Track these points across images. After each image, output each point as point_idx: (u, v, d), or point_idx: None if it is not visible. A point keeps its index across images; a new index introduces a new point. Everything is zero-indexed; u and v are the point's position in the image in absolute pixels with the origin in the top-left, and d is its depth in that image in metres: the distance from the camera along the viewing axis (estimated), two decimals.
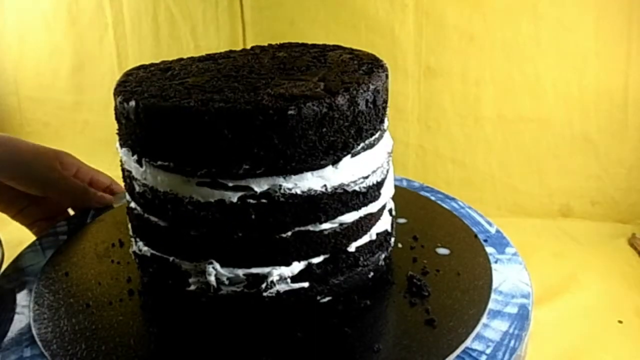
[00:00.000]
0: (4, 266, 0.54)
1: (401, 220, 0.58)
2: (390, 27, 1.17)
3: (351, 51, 0.52)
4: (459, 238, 0.56)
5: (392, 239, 0.52)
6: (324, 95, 0.38)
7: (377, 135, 0.44)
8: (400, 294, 0.46)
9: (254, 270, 0.41)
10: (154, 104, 0.40)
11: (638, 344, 0.79)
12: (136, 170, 0.43)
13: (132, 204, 0.46)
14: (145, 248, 0.46)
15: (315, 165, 0.39)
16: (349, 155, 0.41)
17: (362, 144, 0.42)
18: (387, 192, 0.48)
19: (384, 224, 0.48)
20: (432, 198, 0.65)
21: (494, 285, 0.48)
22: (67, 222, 0.62)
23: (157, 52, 1.40)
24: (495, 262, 0.52)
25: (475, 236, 0.57)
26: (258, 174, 0.38)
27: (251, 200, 0.39)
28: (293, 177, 0.39)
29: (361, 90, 0.40)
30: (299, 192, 0.39)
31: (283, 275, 0.42)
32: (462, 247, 0.55)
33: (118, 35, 1.49)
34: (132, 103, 0.40)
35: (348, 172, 0.42)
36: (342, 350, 0.40)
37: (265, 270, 0.42)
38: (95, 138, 1.55)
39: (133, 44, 1.46)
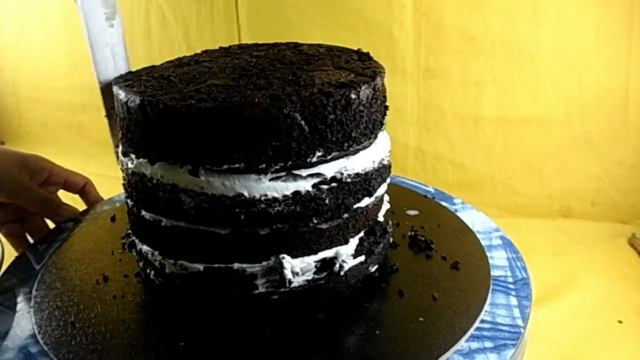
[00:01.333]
0: (4, 266, 0.54)
1: None
2: (388, 28, 1.16)
3: (319, 45, 0.54)
4: (414, 199, 0.61)
5: None
6: (367, 79, 0.42)
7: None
8: (412, 251, 0.51)
9: (321, 255, 0.43)
10: (219, 108, 0.38)
11: (638, 344, 0.79)
12: (188, 183, 0.41)
13: (166, 223, 0.43)
14: (194, 265, 0.43)
15: (366, 143, 0.43)
16: (381, 131, 0.46)
17: (385, 119, 0.47)
18: None
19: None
20: None
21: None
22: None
23: (149, 55, 1.36)
24: (455, 211, 0.58)
25: (425, 196, 0.61)
26: (328, 160, 0.41)
27: (324, 186, 0.41)
28: (352, 157, 0.42)
29: (383, 74, 0.45)
30: (359, 171, 0.43)
31: (347, 254, 0.44)
32: (423, 206, 0.59)
33: None
34: (188, 109, 0.38)
35: (382, 146, 0.46)
36: (411, 309, 0.44)
37: (332, 252, 0.44)
38: (93, 139, 1.55)
39: None
